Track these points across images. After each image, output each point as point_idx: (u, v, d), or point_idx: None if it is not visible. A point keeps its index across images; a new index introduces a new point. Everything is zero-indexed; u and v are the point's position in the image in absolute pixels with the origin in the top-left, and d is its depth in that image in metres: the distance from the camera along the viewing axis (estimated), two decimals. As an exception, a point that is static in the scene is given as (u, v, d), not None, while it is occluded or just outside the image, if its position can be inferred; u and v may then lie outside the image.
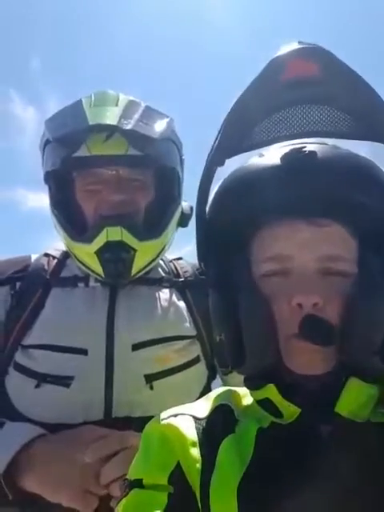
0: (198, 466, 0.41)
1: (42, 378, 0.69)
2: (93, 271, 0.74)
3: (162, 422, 0.45)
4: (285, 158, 0.42)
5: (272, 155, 0.43)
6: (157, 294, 0.77)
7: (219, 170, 0.47)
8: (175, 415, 0.46)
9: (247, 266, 0.44)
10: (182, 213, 0.80)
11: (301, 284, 0.39)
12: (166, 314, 0.75)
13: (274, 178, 0.42)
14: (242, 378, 0.46)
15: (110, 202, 0.71)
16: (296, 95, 0.45)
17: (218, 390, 0.50)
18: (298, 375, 0.40)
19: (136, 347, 0.71)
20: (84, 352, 0.69)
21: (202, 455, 0.41)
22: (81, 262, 0.75)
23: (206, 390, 0.77)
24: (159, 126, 0.72)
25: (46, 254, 0.81)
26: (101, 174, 0.72)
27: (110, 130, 0.68)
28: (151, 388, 0.70)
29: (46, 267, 0.78)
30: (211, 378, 0.80)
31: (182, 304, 0.78)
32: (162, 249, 0.77)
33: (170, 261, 0.86)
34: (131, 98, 0.75)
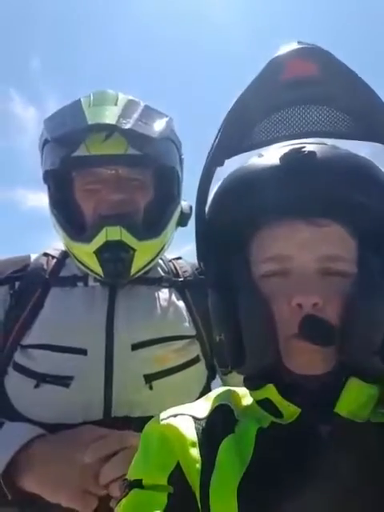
0: (198, 466, 0.41)
1: (41, 378, 0.68)
2: (92, 271, 0.73)
3: (162, 422, 0.45)
4: (284, 158, 0.42)
5: (271, 155, 0.43)
6: (156, 294, 0.77)
7: (219, 170, 0.46)
8: (175, 415, 0.46)
9: (247, 266, 0.44)
10: (182, 212, 0.80)
11: (300, 284, 0.39)
12: (166, 314, 0.75)
13: (274, 178, 0.42)
14: (241, 378, 0.46)
15: (110, 202, 0.71)
16: (295, 95, 0.45)
17: (217, 390, 0.50)
18: (298, 375, 0.40)
19: (135, 347, 0.71)
20: (83, 352, 0.69)
21: (201, 455, 0.41)
22: (80, 262, 0.75)
23: (206, 389, 0.77)
24: (158, 126, 0.72)
25: (45, 254, 0.81)
26: (100, 173, 0.72)
27: (109, 130, 0.68)
28: (151, 388, 0.70)
29: (45, 267, 0.78)
30: (211, 377, 0.80)
31: (181, 304, 0.78)
32: (162, 248, 0.77)
33: (170, 260, 0.86)
34: (130, 97, 0.75)
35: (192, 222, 0.56)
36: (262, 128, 0.46)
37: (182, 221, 0.81)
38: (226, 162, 0.46)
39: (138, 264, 0.73)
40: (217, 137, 0.46)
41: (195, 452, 0.42)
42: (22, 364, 0.70)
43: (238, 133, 0.46)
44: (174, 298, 0.78)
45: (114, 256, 0.70)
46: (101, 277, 0.73)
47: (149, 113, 0.73)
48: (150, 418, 0.49)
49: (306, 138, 0.45)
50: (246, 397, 0.47)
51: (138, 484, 0.42)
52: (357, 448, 0.38)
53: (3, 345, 0.72)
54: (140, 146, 0.69)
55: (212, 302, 0.45)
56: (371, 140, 0.45)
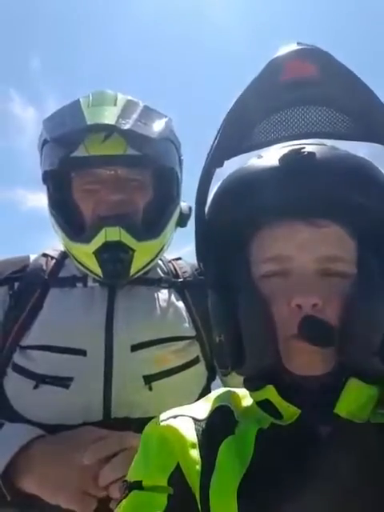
0: (198, 467, 0.41)
1: (40, 379, 0.68)
2: (91, 271, 0.73)
3: (162, 424, 0.45)
4: (284, 159, 0.42)
5: (271, 156, 0.43)
6: (156, 295, 0.77)
7: (218, 171, 0.47)
8: (175, 416, 0.46)
9: (246, 266, 0.44)
10: (181, 213, 0.80)
11: (300, 285, 0.39)
12: (165, 315, 0.75)
13: (273, 178, 0.42)
14: (241, 378, 0.46)
15: (109, 202, 0.71)
16: (295, 96, 0.45)
17: (217, 391, 0.50)
18: (298, 376, 0.40)
19: (135, 348, 0.71)
20: (83, 353, 0.69)
21: (201, 456, 0.41)
22: (79, 263, 0.74)
23: (206, 390, 0.77)
24: (158, 126, 0.72)
25: (45, 255, 0.80)
26: (99, 173, 0.72)
27: (109, 130, 0.68)
28: (150, 389, 0.70)
29: (44, 267, 0.77)
30: (211, 378, 0.80)
31: (180, 304, 0.78)
32: (161, 249, 0.77)
33: (169, 261, 0.86)
34: (129, 97, 0.75)
35: (191, 223, 0.56)
36: (261, 129, 0.46)
37: (182, 221, 0.81)
38: (226, 163, 0.46)
39: (137, 265, 0.73)
40: (216, 138, 0.46)
41: (195, 453, 0.42)
42: (22, 365, 0.70)
43: (237, 134, 0.46)
44: (173, 298, 0.78)
45: (114, 257, 0.70)
46: (100, 277, 0.73)
47: (148, 113, 0.73)
48: (149, 419, 0.49)
49: (306, 138, 0.45)
50: (245, 398, 0.47)
51: (137, 485, 0.42)
52: (357, 449, 0.38)
53: (2, 346, 0.72)
54: (139, 146, 0.69)
55: (212, 303, 0.45)
56: (370, 141, 0.45)
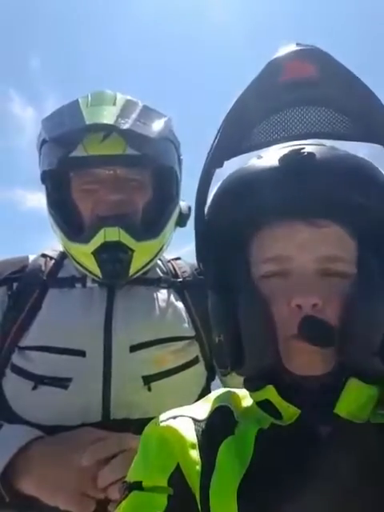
0: (198, 467, 0.41)
1: (39, 380, 0.68)
2: (90, 272, 0.73)
3: (162, 424, 0.45)
4: (283, 159, 0.42)
5: (271, 157, 0.43)
6: (155, 295, 0.77)
7: (218, 171, 0.46)
8: (174, 417, 0.46)
9: (246, 266, 0.44)
10: (180, 213, 0.80)
11: (300, 285, 0.39)
12: (164, 315, 0.75)
13: (273, 179, 0.42)
14: (241, 378, 0.46)
15: (108, 202, 0.70)
16: (294, 97, 0.45)
17: (217, 392, 0.50)
18: (298, 376, 0.40)
19: (134, 348, 0.70)
20: (82, 353, 0.69)
21: (201, 457, 0.41)
22: (78, 263, 0.74)
23: (205, 391, 0.77)
24: (157, 126, 0.71)
25: (44, 255, 0.80)
26: (98, 173, 0.71)
27: (108, 130, 0.67)
28: (149, 389, 0.70)
29: (43, 268, 0.77)
30: (210, 378, 0.80)
31: (180, 304, 0.78)
32: (160, 249, 0.77)
33: (168, 261, 0.85)
34: (129, 97, 0.75)
35: (191, 223, 0.56)
36: (261, 129, 0.46)
37: (181, 221, 0.80)
38: (226, 163, 0.46)
39: (136, 265, 0.72)
40: (216, 138, 0.46)
41: (195, 454, 0.42)
42: (20, 366, 0.70)
43: (237, 134, 0.46)
44: (172, 298, 0.78)
45: (113, 257, 0.70)
46: (99, 278, 0.73)
47: (147, 113, 0.73)
48: (149, 419, 0.48)
49: (305, 139, 0.45)
50: (245, 398, 0.47)
51: (137, 486, 0.42)
52: (357, 449, 0.38)
53: (1, 346, 0.72)
54: (138, 146, 0.69)
55: (211, 303, 0.45)
56: (370, 141, 0.45)
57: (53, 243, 0.81)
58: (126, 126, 0.67)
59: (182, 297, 0.79)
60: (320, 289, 0.39)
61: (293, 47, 0.44)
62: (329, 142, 0.46)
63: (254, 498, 0.37)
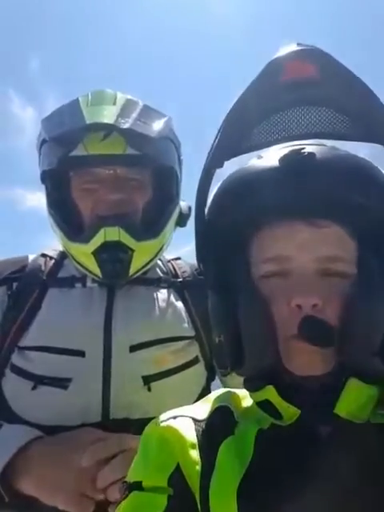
0: (198, 467, 0.41)
1: (38, 380, 0.68)
2: (90, 272, 0.73)
3: (162, 424, 0.45)
4: (284, 159, 0.42)
5: (271, 157, 0.43)
6: (155, 295, 0.77)
7: (218, 171, 0.47)
8: (174, 417, 0.46)
9: (246, 267, 0.44)
10: (181, 212, 0.80)
11: (300, 285, 0.39)
12: (164, 315, 0.75)
13: (273, 179, 0.42)
14: (241, 379, 0.46)
15: (108, 202, 0.70)
16: (294, 97, 0.45)
17: (217, 392, 0.50)
18: (298, 376, 0.40)
19: (134, 348, 0.70)
20: (81, 354, 0.69)
21: (201, 457, 0.41)
22: (78, 263, 0.74)
23: (205, 391, 0.77)
24: (157, 125, 0.71)
25: (43, 255, 0.80)
26: (98, 173, 0.71)
27: (108, 129, 0.67)
28: (149, 389, 0.70)
29: (42, 268, 0.77)
30: (210, 378, 0.80)
31: (180, 304, 0.78)
32: (160, 249, 0.77)
33: (168, 261, 0.86)
34: (129, 96, 0.75)
35: (191, 223, 0.56)
36: (261, 129, 0.46)
37: (181, 221, 0.81)
38: (226, 163, 0.46)
39: (136, 265, 0.72)
40: (216, 138, 0.46)
41: (195, 454, 0.42)
42: (20, 366, 0.70)
43: (237, 134, 0.46)
44: (172, 298, 0.78)
45: (113, 257, 0.70)
46: (99, 278, 0.72)
47: (148, 112, 0.73)
48: (148, 419, 0.48)
49: (306, 139, 0.45)
50: (245, 398, 0.47)
51: (137, 486, 0.42)
52: (357, 449, 0.38)
53: (1, 346, 0.72)
54: (139, 145, 0.69)
55: (211, 303, 0.45)
56: (370, 141, 0.45)
57: (53, 243, 0.81)
58: (126, 126, 0.67)
59: (181, 297, 0.79)
60: (320, 289, 0.39)
61: (293, 47, 0.44)
62: (329, 142, 0.46)
63: (253, 498, 0.37)
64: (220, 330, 0.44)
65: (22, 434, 0.64)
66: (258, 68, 0.45)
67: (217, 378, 0.81)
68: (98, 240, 0.69)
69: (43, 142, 0.73)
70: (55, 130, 0.70)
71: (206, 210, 0.47)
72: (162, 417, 0.47)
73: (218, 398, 0.48)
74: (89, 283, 0.75)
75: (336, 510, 0.35)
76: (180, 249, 0.90)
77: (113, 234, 0.68)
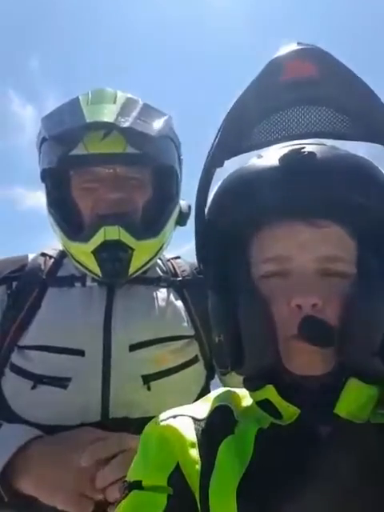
0: (198, 467, 0.41)
1: (38, 380, 0.68)
2: (90, 271, 0.73)
3: (161, 423, 0.46)
4: (284, 158, 0.42)
5: (271, 156, 0.43)
6: (154, 294, 0.77)
7: (218, 171, 0.47)
8: (174, 416, 0.46)
9: (246, 266, 0.44)
10: (180, 212, 0.80)
11: (300, 285, 0.39)
12: (164, 314, 0.75)
13: (273, 179, 0.42)
14: (240, 378, 0.46)
15: (108, 201, 0.70)
16: (294, 96, 0.45)
17: (217, 391, 0.51)
18: (298, 376, 0.40)
19: (133, 348, 0.70)
20: (81, 353, 0.69)
21: (201, 456, 0.42)
22: (77, 262, 0.74)
23: (205, 390, 0.77)
24: (157, 124, 0.71)
25: (43, 254, 0.80)
26: (98, 172, 0.71)
27: (108, 128, 0.67)
28: (149, 389, 0.70)
29: (42, 267, 0.77)
30: (210, 378, 0.80)
31: (179, 304, 0.78)
32: (160, 248, 0.77)
33: (168, 260, 0.85)
34: (129, 95, 0.74)
35: (191, 222, 0.56)
36: (261, 129, 0.46)
37: (181, 220, 0.80)
38: (226, 163, 0.46)
39: (136, 264, 0.72)
40: (216, 137, 0.46)
41: (195, 453, 0.42)
42: (19, 365, 0.70)
43: (237, 133, 0.46)
44: (172, 297, 0.78)
45: (112, 256, 0.70)
46: (99, 277, 0.72)
47: (148, 111, 0.73)
48: (148, 419, 0.48)
49: (306, 138, 0.45)
50: (245, 398, 0.47)
51: (137, 485, 0.42)
52: (356, 449, 0.38)
53: (0, 346, 0.72)
54: (139, 144, 0.69)
55: (211, 303, 0.45)
56: (370, 141, 0.45)
57: (53, 242, 0.81)
58: (126, 124, 0.67)
59: (181, 296, 0.79)
60: (320, 289, 0.39)
61: (293, 46, 0.44)
62: (329, 142, 0.46)
63: (253, 497, 0.37)
64: (220, 329, 0.44)
65: (21, 433, 0.64)
66: (259, 65, 0.45)
67: (216, 377, 0.81)
68: (97, 239, 0.69)
69: (43, 140, 0.73)
70: (55, 129, 0.70)
71: (206, 210, 0.47)
72: (162, 416, 0.47)
73: (218, 398, 0.48)
74: (88, 282, 0.75)
75: (336, 510, 0.35)
76: (180, 248, 0.90)
77: (113, 232, 0.68)
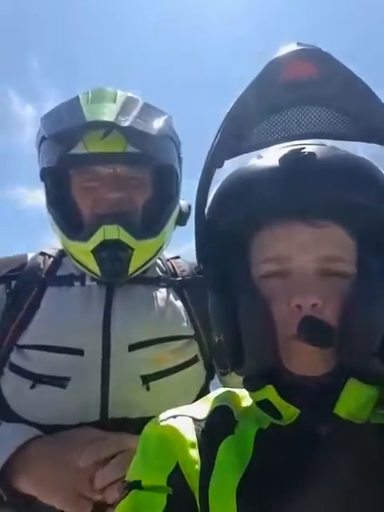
0: (197, 467, 0.41)
1: (37, 379, 0.68)
2: (89, 270, 0.73)
3: (161, 423, 0.46)
4: (284, 159, 0.42)
5: (271, 156, 0.43)
6: (154, 294, 0.76)
7: (218, 171, 0.46)
8: (174, 416, 0.46)
9: (246, 267, 0.44)
10: (180, 211, 0.80)
11: (300, 285, 0.39)
12: (163, 314, 0.75)
13: (273, 179, 0.42)
14: (240, 378, 0.46)
15: (107, 200, 0.70)
16: (294, 96, 0.45)
17: (217, 392, 0.51)
18: (297, 376, 0.40)
19: (133, 347, 0.70)
20: (80, 352, 0.69)
21: (201, 456, 0.42)
22: (77, 261, 0.74)
23: (204, 390, 0.77)
24: (158, 123, 0.71)
25: (42, 253, 0.80)
26: (98, 171, 0.71)
27: (108, 127, 0.67)
28: (148, 389, 0.70)
29: (41, 266, 0.77)
30: (209, 378, 0.80)
31: (179, 304, 0.78)
32: (160, 248, 0.76)
33: (168, 260, 0.85)
34: (129, 94, 0.74)
35: (191, 222, 0.56)
36: (261, 129, 0.46)
37: (181, 220, 0.80)
38: (226, 163, 0.46)
39: (135, 263, 0.72)
40: (216, 137, 0.46)
41: (195, 453, 0.42)
42: (18, 364, 0.70)
43: (237, 134, 0.46)
44: (171, 297, 0.78)
45: (112, 255, 0.70)
46: (98, 276, 0.72)
47: (148, 110, 0.72)
48: (147, 419, 0.48)
49: (306, 139, 0.45)
50: (245, 398, 0.47)
51: (137, 485, 0.42)
52: (356, 449, 0.38)
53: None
54: (139, 144, 0.68)
55: (211, 303, 0.45)
56: (370, 141, 0.45)
57: (53, 242, 0.81)
58: (126, 124, 0.66)
59: (181, 296, 0.79)
60: (320, 289, 0.39)
61: (293, 47, 0.44)
62: (329, 142, 0.46)
63: (253, 497, 0.37)
64: (220, 329, 0.44)
65: (20, 432, 0.64)
66: (259, 65, 0.45)
67: (216, 377, 0.81)
68: (97, 238, 0.68)
69: (43, 139, 0.73)
70: (55, 128, 0.69)
71: (206, 210, 0.47)
72: (162, 416, 0.47)
73: (218, 398, 0.48)
74: (87, 282, 0.75)
75: (335, 510, 0.35)
76: (180, 248, 0.90)
77: (112, 232, 0.68)
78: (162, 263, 0.84)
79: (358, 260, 0.42)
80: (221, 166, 0.46)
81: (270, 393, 0.42)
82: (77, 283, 0.75)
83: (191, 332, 0.76)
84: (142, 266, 0.75)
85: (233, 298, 0.42)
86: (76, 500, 0.58)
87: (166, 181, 0.76)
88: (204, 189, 0.46)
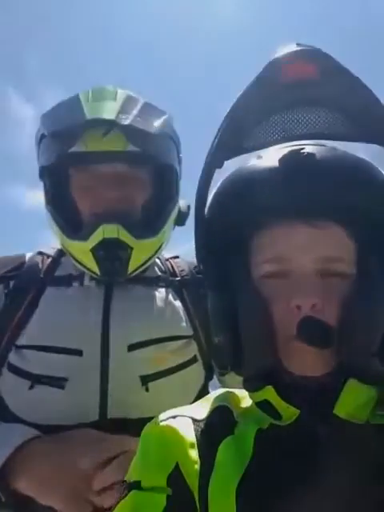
0: (197, 467, 0.41)
1: (35, 379, 0.68)
2: (88, 269, 0.72)
3: (161, 424, 0.45)
4: (283, 159, 0.42)
5: (271, 157, 0.43)
6: (153, 294, 0.76)
7: (218, 171, 0.46)
8: (174, 417, 0.46)
9: (246, 267, 0.44)
10: (180, 211, 0.80)
11: (299, 285, 0.39)
12: (162, 314, 0.75)
13: (273, 179, 0.41)
14: (239, 378, 0.46)
15: (107, 199, 0.70)
16: (294, 97, 0.45)
17: (216, 392, 0.51)
18: (297, 376, 0.40)
19: (132, 348, 0.70)
20: (79, 353, 0.68)
21: (200, 456, 0.42)
22: (76, 260, 0.73)
23: (203, 390, 0.77)
24: (158, 122, 0.71)
25: (41, 253, 0.79)
26: (97, 170, 0.71)
27: (109, 125, 0.66)
28: (147, 389, 0.69)
29: (40, 266, 0.76)
30: (208, 378, 0.80)
31: (178, 304, 0.78)
32: (159, 247, 0.76)
33: (167, 259, 0.85)
34: (130, 92, 0.74)
35: (190, 221, 0.56)
36: (261, 129, 0.46)
37: (180, 219, 0.80)
38: (226, 163, 0.46)
39: (135, 263, 0.72)
40: (216, 138, 0.46)
41: (194, 453, 0.42)
42: (17, 365, 0.70)
43: (237, 134, 0.46)
44: (170, 297, 0.77)
45: (111, 254, 0.69)
46: (97, 275, 0.72)
47: (148, 109, 0.72)
48: (146, 419, 0.48)
49: (306, 139, 0.45)
50: (245, 398, 0.47)
51: (136, 485, 0.42)
52: (356, 449, 0.38)
53: None
54: (139, 142, 0.68)
55: (211, 304, 0.45)
56: (370, 141, 0.45)
57: (52, 241, 0.80)
58: (126, 122, 0.66)
59: (180, 296, 0.79)
60: (319, 289, 0.39)
61: (293, 47, 0.44)
62: (329, 143, 0.46)
63: (252, 497, 0.37)
64: (219, 330, 0.43)
65: (19, 433, 0.63)
66: (259, 64, 0.45)
67: (214, 377, 0.81)
68: (96, 237, 0.68)
69: (42, 137, 0.72)
70: (55, 126, 0.69)
71: (206, 210, 0.47)
72: (162, 416, 0.47)
73: (218, 398, 0.48)
74: (86, 281, 0.74)
75: (335, 510, 0.35)
76: (179, 247, 0.90)
77: (112, 231, 0.68)
78: (161, 263, 0.84)
79: (358, 260, 0.42)
80: (221, 166, 0.46)
81: (269, 393, 0.42)
82: (75, 283, 0.75)
83: (190, 332, 0.76)
84: (142, 265, 0.75)
85: (232, 299, 0.42)
86: (75, 501, 0.58)
87: (165, 180, 0.76)
88: (204, 189, 0.46)
